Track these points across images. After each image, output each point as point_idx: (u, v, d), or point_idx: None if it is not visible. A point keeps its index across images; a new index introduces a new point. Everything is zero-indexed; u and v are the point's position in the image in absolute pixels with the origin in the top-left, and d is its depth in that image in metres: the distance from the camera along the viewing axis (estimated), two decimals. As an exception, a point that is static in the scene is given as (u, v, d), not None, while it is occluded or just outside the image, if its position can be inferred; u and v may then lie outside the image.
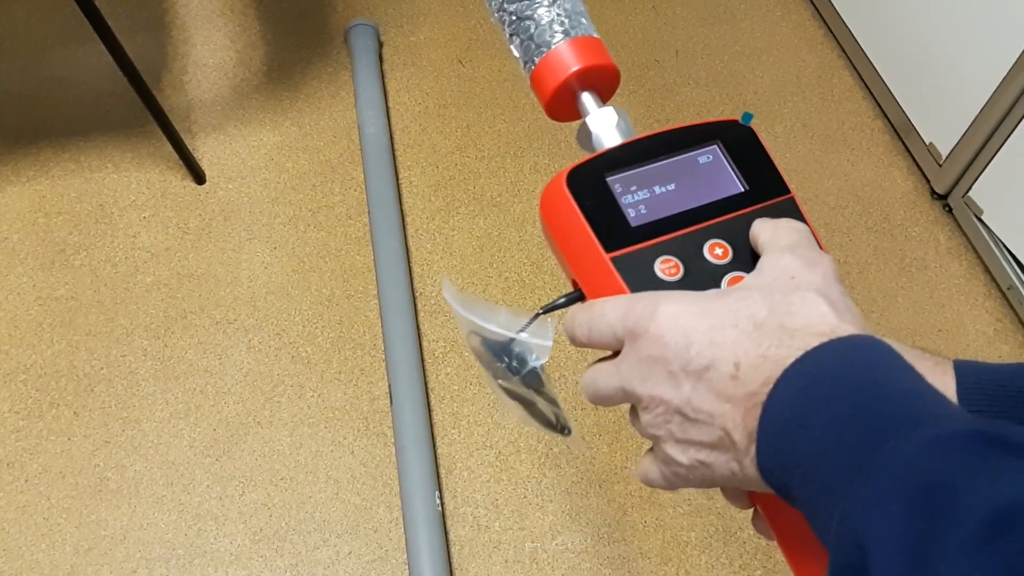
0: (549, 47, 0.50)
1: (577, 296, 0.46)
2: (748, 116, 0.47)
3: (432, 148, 1.69)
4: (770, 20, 1.97)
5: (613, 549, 1.27)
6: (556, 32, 0.49)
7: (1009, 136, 1.49)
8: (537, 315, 0.48)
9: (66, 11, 1.79)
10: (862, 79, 1.86)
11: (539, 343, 0.48)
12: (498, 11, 0.54)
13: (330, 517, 1.27)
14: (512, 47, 0.52)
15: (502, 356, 0.50)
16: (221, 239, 1.53)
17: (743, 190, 0.45)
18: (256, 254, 1.52)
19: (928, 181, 1.70)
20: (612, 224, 0.43)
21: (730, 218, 0.44)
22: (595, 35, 0.50)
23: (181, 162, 1.58)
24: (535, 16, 0.50)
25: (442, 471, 1.32)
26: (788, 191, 0.46)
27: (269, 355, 1.41)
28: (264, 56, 1.79)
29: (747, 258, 0.44)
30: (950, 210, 1.67)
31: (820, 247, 0.45)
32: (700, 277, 0.43)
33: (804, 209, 0.46)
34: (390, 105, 1.73)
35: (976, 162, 1.58)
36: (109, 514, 1.25)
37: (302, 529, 1.26)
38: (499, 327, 0.49)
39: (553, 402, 0.53)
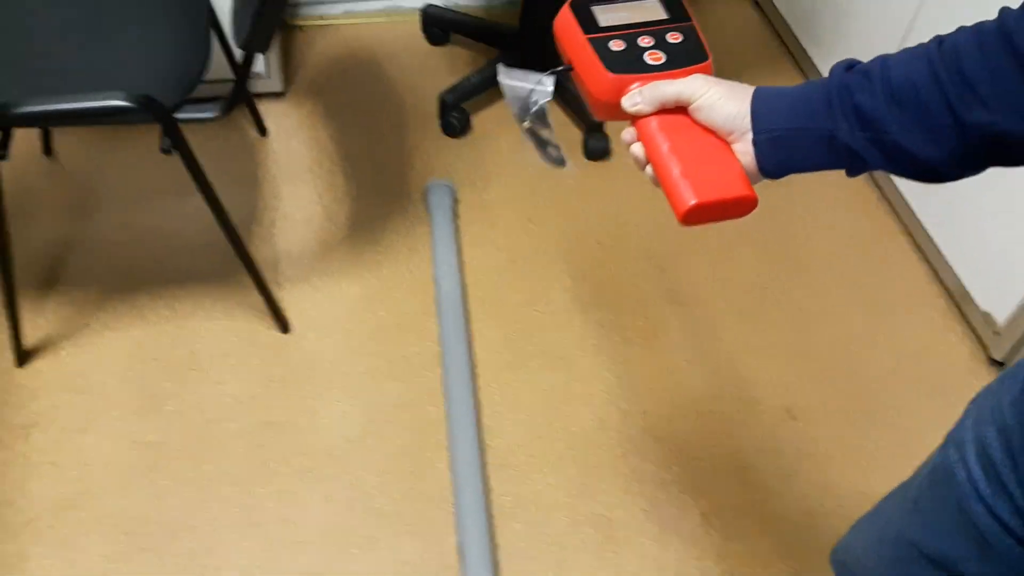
0: None
1: (568, 67, 0.80)
2: None
3: (502, 302, 1.78)
4: (825, 183, 2.06)
5: None
6: None
7: (1066, 312, 1.54)
8: (544, 75, 0.80)
9: (165, 166, 1.93)
10: (917, 245, 1.93)
11: (545, 90, 0.80)
12: None
13: (400, 675, 1.30)
14: None
15: (526, 104, 0.81)
16: (303, 388, 1.61)
17: (666, 17, 0.79)
18: (335, 403, 1.59)
19: (985, 348, 1.74)
20: (590, 24, 0.77)
21: (656, 27, 0.78)
22: None
23: (268, 312, 1.68)
24: None
25: (509, 631, 1.35)
26: (691, 19, 0.79)
27: (344, 506, 1.47)
28: (348, 211, 1.91)
29: (663, 45, 0.77)
30: (1008, 378, 1.70)
31: (705, 49, 0.78)
32: (633, 50, 0.76)
33: (700, 28, 0.79)
34: (464, 260, 1.83)
35: (1033, 333, 1.62)
36: (188, 662, 1.30)
37: None
38: (526, 84, 0.80)
39: (554, 142, 0.85)
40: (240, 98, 1.37)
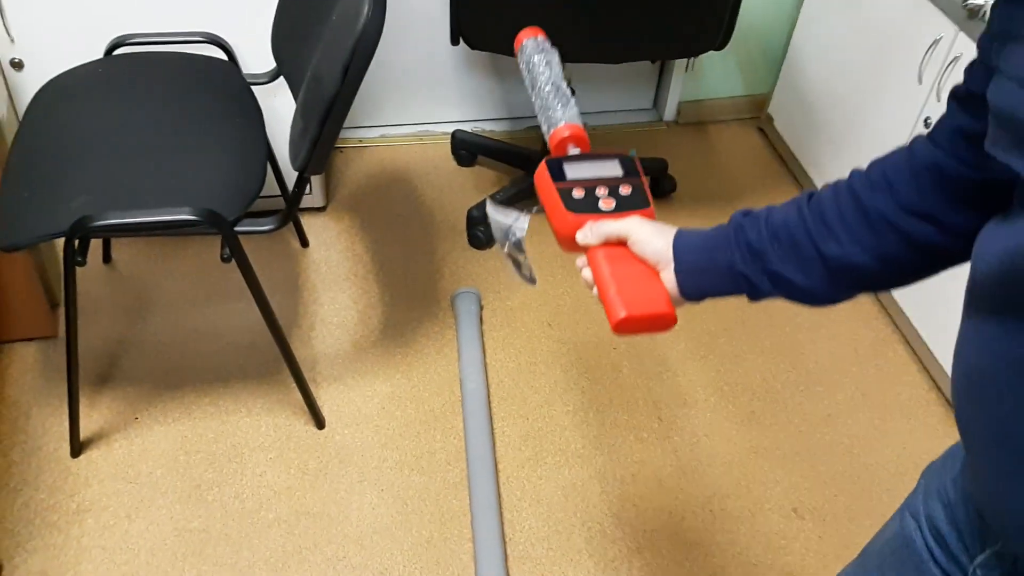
0: (557, 125, 0.99)
1: (541, 209, 0.95)
2: (633, 152, 0.98)
3: (523, 401, 1.89)
4: (828, 295, 2.19)
5: None
6: (561, 120, 0.99)
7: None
8: (522, 213, 0.96)
9: (212, 274, 2.10)
10: (915, 352, 2.04)
11: (522, 226, 0.96)
12: (539, 111, 1.02)
13: None
14: (543, 126, 1.02)
15: (508, 235, 0.97)
16: (335, 480, 1.72)
17: (621, 175, 0.95)
18: (365, 495, 1.70)
19: (983, 452, 1.83)
20: (559, 176, 0.93)
21: (612, 182, 0.94)
22: (581, 124, 1.00)
23: (305, 408, 1.80)
24: (555, 114, 1.00)
25: None
26: (640, 177, 0.95)
27: (373, 592, 1.55)
28: (381, 316, 2.05)
29: (615, 195, 0.92)
30: (1006, 481, 1.78)
31: (648, 199, 0.93)
32: (591, 198, 0.92)
33: (647, 186, 0.95)
34: (488, 361, 1.96)
35: (1026, 438, 1.70)
36: None
37: None
38: (507, 220, 0.97)
39: (529, 266, 1.01)
40: (293, 213, 1.53)
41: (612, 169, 0.95)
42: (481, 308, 2.08)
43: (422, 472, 1.75)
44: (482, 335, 2.02)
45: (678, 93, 2.65)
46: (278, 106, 1.98)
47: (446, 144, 2.55)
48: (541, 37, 1.09)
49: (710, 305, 2.15)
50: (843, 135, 2.26)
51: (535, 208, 0.95)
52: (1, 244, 1.44)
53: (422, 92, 2.55)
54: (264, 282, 2.04)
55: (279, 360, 1.87)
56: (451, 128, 2.54)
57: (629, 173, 0.95)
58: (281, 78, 1.80)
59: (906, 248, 0.75)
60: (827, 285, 0.79)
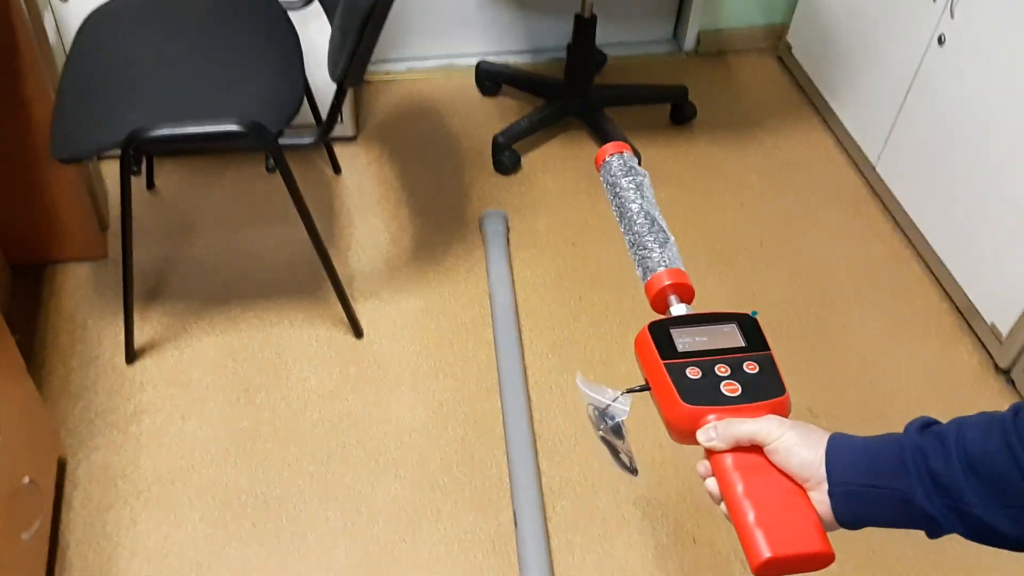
0: (655, 271, 0.86)
1: (646, 386, 0.80)
2: (755, 312, 0.83)
3: (550, 314, 1.98)
4: (844, 217, 2.26)
5: (710, 668, 1.44)
6: (660, 265, 0.86)
7: (1060, 318, 1.71)
8: (624, 392, 0.84)
9: (252, 199, 2.19)
10: (928, 268, 2.11)
11: (622, 408, 0.84)
12: (631, 247, 0.89)
13: (463, 624, 1.47)
14: (637, 269, 0.89)
15: (603, 417, 0.85)
16: (375, 384, 1.82)
17: (743, 345, 0.80)
18: (403, 398, 1.80)
19: (992, 357, 1.90)
20: (667, 348, 0.78)
21: (734, 356, 0.78)
22: (682, 268, 0.87)
23: (345, 320, 1.90)
24: (651, 256, 0.87)
25: (559, 590, 1.52)
26: (768, 349, 0.79)
27: (412, 483, 1.66)
28: (412, 237, 2.14)
29: (739, 376, 0.77)
30: (1013, 383, 1.86)
31: (782, 383, 0.77)
32: (709, 379, 0.77)
33: (777, 360, 0.79)
34: (515, 278, 2.05)
35: (1033, 340, 1.78)
36: (278, 610, 1.48)
37: (439, 632, 1.46)
38: (604, 398, 0.85)
39: (628, 451, 0.88)
40: (332, 126, 1.61)
41: (731, 337, 0.79)
42: (508, 229, 2.16)
43: (456, 378, 1.85)
44: (509, 254, 2.11)
45: (697, 23, 2.70)
46: (311, 32, 2.05)
47: (471, 75, 2.61)
48: (628, 153, 0.95)
49: (728, 226, 2.23)
50: (861, 62, 2.31)
51: (637, 386, 0.81)
52: (60, 156, 1.53)
53: (447, 26, 2.61)
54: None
55: (318, 277, 1.96)
56: (475, 60, 2.61)
57: (752, 343, 0.79)
58: (315, 3, 1.87)
59: None
60: None
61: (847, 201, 2.31)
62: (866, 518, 0.69)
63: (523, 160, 2.36)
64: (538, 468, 1.68)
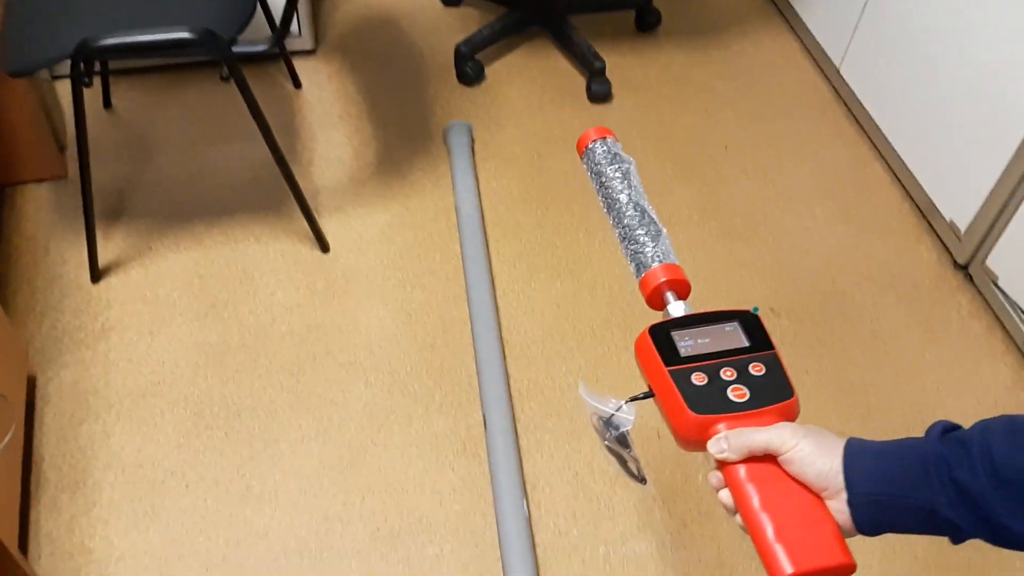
0: (649, 267, 0.84)
1: (650, 394, 0.78)
2: (756, 309, 0.81)
3: (516, 224, 1.99)
4: (809, 120, 2.26)
5: (675, 555, 1.49)
6: (654, 260, 0.84)
7: (1017, 209, 1.74)
8: (627, 401, 0.80)
9: (214, 115, 2.16)
10: (891, 169, 2.13)
11: (626, 417, 0.81)
12: (622, 241, 0.87)
13: (435, 521, 1.51)
14: (630, 265, 0.86)
15: (608, 426, 0.82)
16: (343, 297, 1.83)
17: (747, 344, 0.77)
18: (371, 309, 1.81)
19: (951, 253, 1.94)
20: (670, 353, 0.76)
21: (738, 357, 0.76)
22: (677, 262, 0.84)
23: (310, 234, 1.90)
24: (644, 251, 0.85)
25: (528, 487, 1.56)
26: (773, 348, 0.77)
27: (383, 390, 1.68)
28: (376, 151, 2.13)
29: (746, 379, 0.75)
30: (970, 278, 1.90)
31: (790, 384, 0.75)
32: (716, 385, 0.74)
33: (782, 359, 0.77)
34: (481, 190, 2.05)
35: (990, 235, 1.81)
36: (254, 515, 1.51)
37: (412, 531, 1.50)
38: (608, 408, 0.81)
39: (635, 459, 0.85)
40: (287, 31, 1.59)
41: (734, 338, 0.77)
42: (473, 140, 2.15)
43: (424, 288, 1.86)
44: (475, 166, 2.10)
45: (662, -71, 2.66)
46: (264, -57, 2.00)
47: (432, -13, 2.57)
48: (611, 139, 0.91)
49: (693, 132, 2.23)
50: (824, -40, 2.28)
51: (641, 394, 0.79)
52: (9, 69, 1.50)
53: (406, -65, 2.55)
54: (262, 120, 2.10)
55: (282, 193, 1.95)
56: (436, -29, 2.55)
57: (756, 343, 0.77)
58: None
59: None
60: None
61: (811, 105, 2.31)
62: (887, 526, 0.67)
63: (487, 71, 2.33)
64: (506, 372, 1.71)
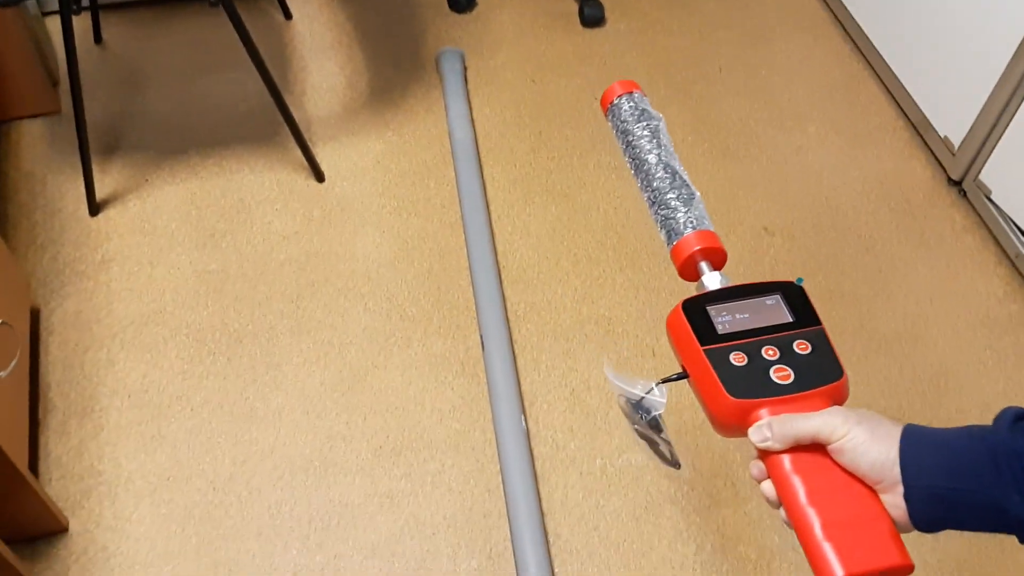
0: (681, 235, 0.77)
1: (683, 375, 0.72)
2: (800, 280, 0.74)
3: (511, 150, 1.99)
4: (803, 40, 2.25)
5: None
6: (687, 227, 0.78)
7: (1009, 123, 1.74)
8: (658, 383, 0.74)
9: (205, 48, 2.15)
10: (885, 86, 2.12)
11: (658, 400, 0.75)
12: (651, 206, 0.81)
13: (436, 438, 1.55)
14: (660, 232, 0.80)
15: (637, 409, 0.77)
16: (339, 225, 1.84)
17: (791, 320, 0.71)
18: (368, 236, 1.83)
19: (944, 169, 1.94)
20: (706, 331, 0.70)
21: (782, 334, 0.70)
22: (712, 228, 0.78)
23: (305, 164, 1.90)
24: (676, 216, 0.79)
25: (526, 404, 1.59)
26: (819, 323, 0.71)
27: (382, 315, 1.71)
28: (368, 79, 2.12)
29: (790, 359, 0.68)
30: (964, 193, 1.91)
31: (839, 363, 0.69)
32: (757, 365, 0.68)
33: (830, 335, 0.70)
34: (474, 117, 2.04)
35: (984, 149, 1.82)
36: (259, 435, 1.55)
37: (413, 447, 1.54)
38: (636, 390, 0.76)
39: (668, 442, 0.79)
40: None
41: (776, 312, 0.70)
42: (465, 67, 2.14)
43: (419, 215, 1.87)
44: (467, 92, 2.09)
45: None
46: None
47: (421, -86, 2.53)
48: (638, 93, 0.84)
49: (687, 53, 2.21)
50: None
51: (674, 375, 0.72)
52: (-4, -2, 1.49)
53: None
54: (253, 51, 2.09)
55: (276, 123, 1.95)
56: None
57: (801, 317, 0.70)
58: None
59: None
60: None
61: (805, 24, 2.29)
62: (948, 523, 0.61)
63: (478, -3, 2.31)
64: (503, 295, 1.73)
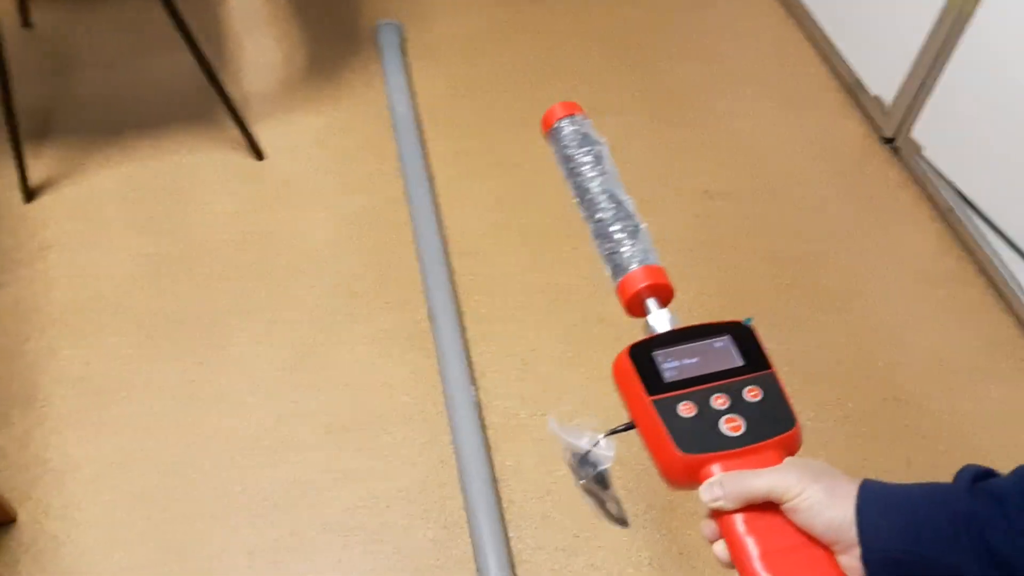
0: (627, 271, 0.74)
1: (631, 426, 0.69)
2: (749, 320, 0.71)
3: (452, 123, 1.99)
4: (739, 5, 2.27)
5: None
6: (633, 262, 0.75)
7: (937, 81, 1.78)
8: (605, 435, 0.72)
9: (136, 29, 2.11)
10: (819, 48, 2.15)
11: (605, 454, 0.73)
12: (596, 238, 0.78)
13: (387, 412, 1.55)
14: (605, 266, 0.77)
15: (583, 464, 0.74)
16: (280, 204, 1.82)
17: (741, 364, 0.68)
18: (311, 214, 1.81)
19: (877, 128, 1.98)
20: (653, 379, 0.66)
21: (732, 380, 0.67)
22: (659, 263, 0.75)
23: (244, 142, 1.88)
24: (620, 251, 0.76)
25: (476, 375, 1.60)
26: (770, 367, 0.68)
27: (328, 292, 1.70)
28: (305, 54, 2.10)
29: (741, 408, 0.65)
30: (897, 151, 1.95)
31: (791, 411, 0.66)
32: (707, 416, 0.65)
33: (781, 379, 0.68)
34: (415, 90, 2.03)
35: (914, 107, 1.86)
36: (206, 417, 1.54)
37: (365, 422, 1.54)
38: (582, 443, 0.73)
39: (616, 499, 0.77)
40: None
41: (726, 356, 0.68)
42: (403, 40, 2.12)
43: (363, 191, 1.86)
44: (407, 65, 2.08)
45: None
46: None
47: None
48: (580, 116, 0.81)
49: (630, 21, 2.22)
50: None
51: (621, 426, 0.70)
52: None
53: None
54: (185, 29, 2.05)
55: (212, 101, 1.92)
56: None
57: (751, 361, 0.68)
58: None
59: None
60: None
61: (741, -10, 2.31)
62: None
63: (414, -31, 2.29)
64: (450, 267, 1.73)
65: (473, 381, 1.57)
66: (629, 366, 0.67)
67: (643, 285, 0.73)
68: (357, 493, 1.46)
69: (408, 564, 1.39)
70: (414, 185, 1.84)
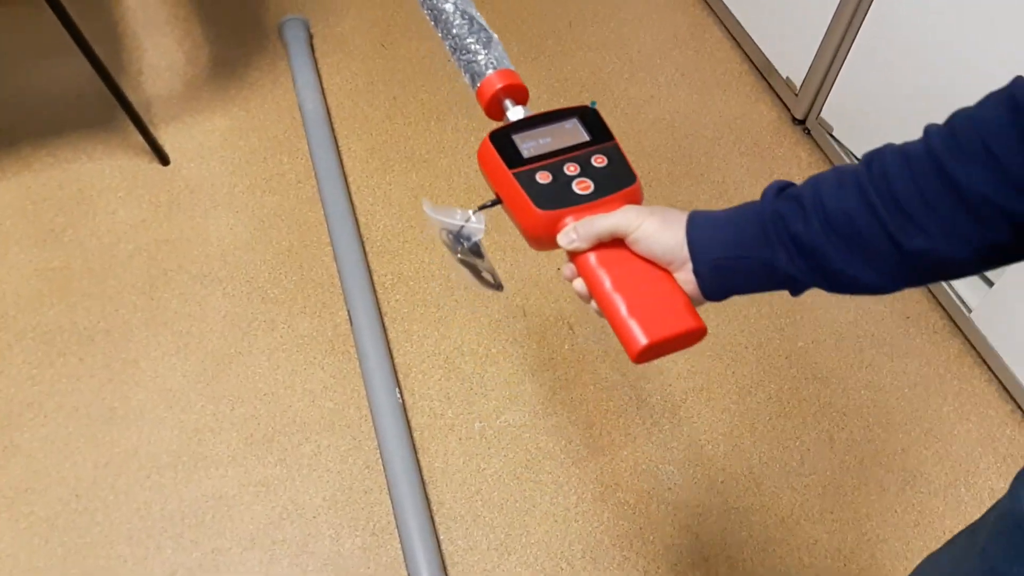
0: (484, 76, 0.83)
1: (497, 201, 0.78)
2: (594, 103, 0.81)
3: (365, 119, 1.95)
4: (648, -10, 2.27)
5: (546, 421, 1.54)
6: (488, 67, 0.83)
7: (844, 62, 1.80)
8: (475, 211, 0.81)
9: (28, 33, 2.01)
10: (729, 32, 2.17)
11: (476, 227, 0.81)
12: (453, 53, 0.87)
13: (309, 420, 1.51)
14: (464, 76, 0.85)
15: (458, 239, 0.82)
16: (189, 209, 1.76)
17: (588, 139, 0.78)
18: (221, 218, 1.76)
19: (789, 110, 2.01)
20: (513, 157, 0.76)
21: (581, 152, 0.77)
22: (512, 68, 0.84)
23: (147, 148, 1.81)
24: (477, 59, 0.84)
25: (400, 376, 1.57)
26: (613, 139, 0.78)
27: (242, 299, 1.65)
28: (209, 54, 2.03)
29: (590, 172, 0.76)
30: (808, 132, 1.98)
31: (631, 171, 0.77)
32: (560, 181, 0.75)
33: (624, 149, 0.78)
34: (324, 86, 1.99)
35: (823, 88, 1.89)
36: (120, 435, 1.48)
37: (286, 431, 1.50)
38: (456, 220, 0.81)
39: (490, 268, 0.85)
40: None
41: (575, 134, 0.78)
42: (310, 35, 2.07)
43: (274, 192, 1.81)
44: (315, 61, 2.03)
45: None
46: None
47: None
48: None
49: (536, 10, 2.21)
50: None
51: (488, 202, 0.79)
52: None
53: None
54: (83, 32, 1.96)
55: (111, 106, 1.84)
56: None
57: (597, 136, 0.78)
58: None
59: (1013, 235, 0.57)
60: (905, 279, 0.63)
61: (650, -25, 2.31)
62: (732, 289, 0.69)
63: (319, -38, 2.24)
64: (368, 267, 1.70)
65: (397, 383, 1.54)
66: (491, 149, 0.76)
67: (499, 86, 0.82)
68: (281, 505, 1.42)
69: (337, 574, 1.36)
70: (327, 184, 1.80)
